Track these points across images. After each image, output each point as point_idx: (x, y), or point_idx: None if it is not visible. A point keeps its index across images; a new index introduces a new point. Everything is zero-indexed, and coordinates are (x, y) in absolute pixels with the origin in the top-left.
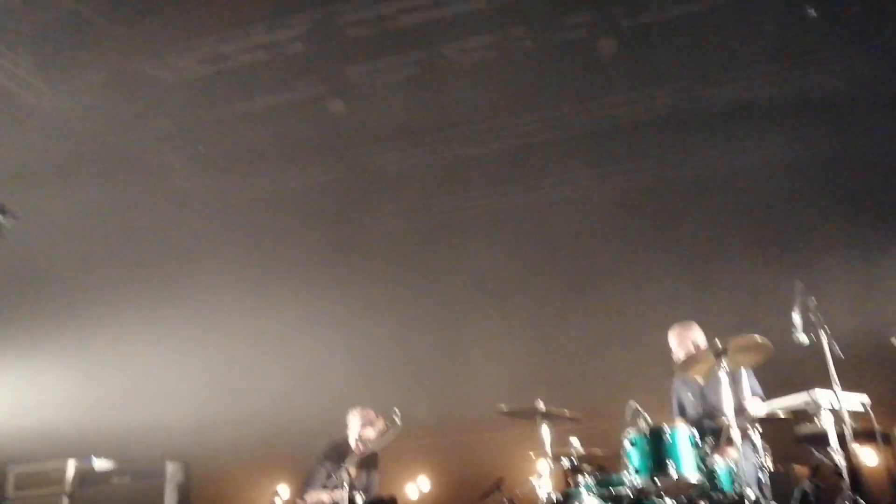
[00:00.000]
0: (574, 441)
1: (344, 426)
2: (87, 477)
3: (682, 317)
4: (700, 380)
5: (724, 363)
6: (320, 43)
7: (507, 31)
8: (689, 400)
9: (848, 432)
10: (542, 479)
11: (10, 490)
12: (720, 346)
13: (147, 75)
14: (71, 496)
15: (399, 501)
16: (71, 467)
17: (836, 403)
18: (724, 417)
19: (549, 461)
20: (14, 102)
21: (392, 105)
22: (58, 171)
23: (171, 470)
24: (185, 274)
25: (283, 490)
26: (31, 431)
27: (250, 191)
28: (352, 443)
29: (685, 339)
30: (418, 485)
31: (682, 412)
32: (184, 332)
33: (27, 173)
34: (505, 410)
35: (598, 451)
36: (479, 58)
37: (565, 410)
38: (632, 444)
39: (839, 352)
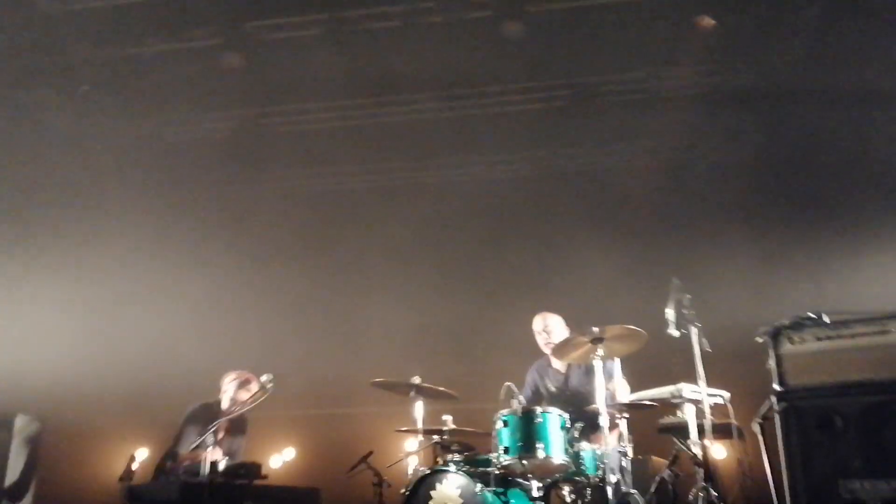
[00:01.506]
0: (446, 419)
1: (217, 390)
2: None
3: (555, 305)
4: (561, 367)
5: (599, 350)
6: None
7: (415, 3)
8: (548, 387)
9: (707, 425)
10: (412, 455)
11: None
12: (598, 333)
13: (31, 4)
14: None
15: (263, 471)
16: None
17: (698, 397)
18: (592, 405)
19: (421, 437)
20: None
21: (292, 65)
22: None
23: (21, 423)
24: (63, 216)
25: (142, 454)
26: None
27: (137, 137)
28: (224, 405)
29: (554, 326)
30: (283, 455)
31: (535, 398)
32: (54, 278)
33: None
34: (379, 382)
35: (469, 430)
36: (384, 26)
37: (440, 387)
38: (503, 423)
39: (707, 347)
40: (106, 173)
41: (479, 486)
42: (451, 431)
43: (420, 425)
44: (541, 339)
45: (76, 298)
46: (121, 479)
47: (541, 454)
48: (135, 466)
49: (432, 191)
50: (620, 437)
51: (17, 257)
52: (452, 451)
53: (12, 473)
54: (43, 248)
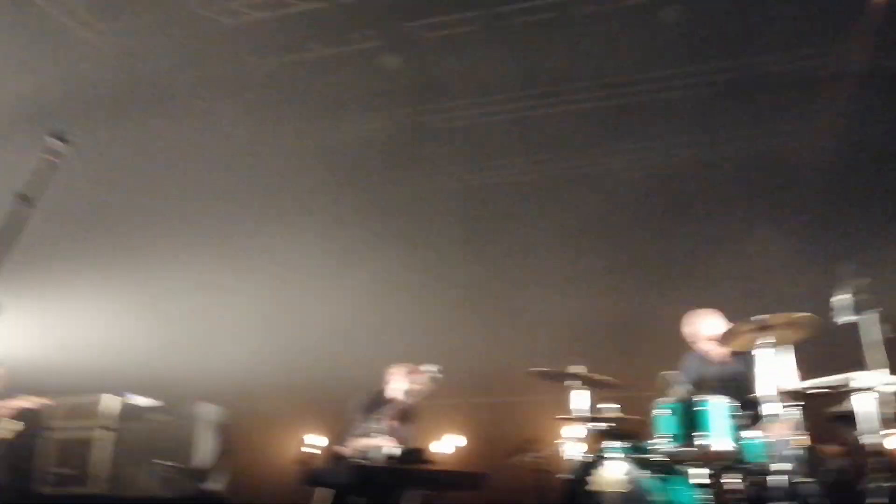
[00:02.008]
0: (607, 406)
1: (382, 379)
2: (129, 413)
3: (721, 292)
4: (723, 356)
5: (766, 338)
6: None
7: None
8: (708, 375)
9: (884, 414)
10: (572, 443)
11: (56, 420)
12: (765, 320)
13: (202, 17)
14: (113, 430)
15: (431, 456)
16: (115, 403)
17: (873, 384)
18: (757, 393)
19: (581, 425)
20: (71, 38)
21: (450, 62)
22: (112, 105)
23: (209, 411)
24: (235, 218)
25: (312, 439)
26: (81, 367)
27: (300, 141)
28: (391, 395)
29: (713, 320)
30: (450, 441)
31: (696, 386)
32: (232, 277)
33: (83, 106)
34: (537, 371)
35: (630, 418)
36: (540, 19)
37: (601, 376)
38: (666, 411)
39: (887, 333)
40: (278, 176)
41: (641, 473)
42: (612, 419)
43: (580, 413)
44: (699, 344)
45: (254, 297)
46: (297, 462)
47: (705, 441)
48: (309, 451)
49: (595, 181)
50: (792, 425)
51: (202, 261)
52: (613, 438)
53: (202, 458)
54: (222, 252)
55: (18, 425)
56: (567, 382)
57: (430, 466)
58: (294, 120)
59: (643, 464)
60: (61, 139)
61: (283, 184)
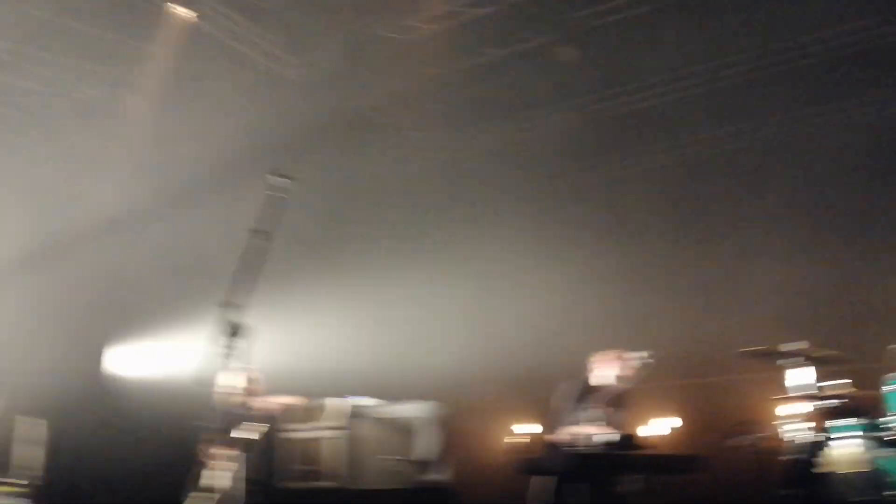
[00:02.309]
0: (834, 382)
1: (587, 367)
2: (357, 413)
3: None
4: None
5: None
6: None
7: None
8: None
9: None
10: (794, 422)
11: (292, 422)
12: None
13: (379, 37)
14: (343, 429)
15: (643, 441)
16: (345, 404)
17: None
18: None
19: (804, 403)
20: (265, 75)
21: (623, 47)
22: (314, 136)
23: (429, 408)
24: (442, 225)
25: (521, 429)
26: (314, 372)
27: (492, 143)
28: (599, 382)
29: None
30: (664, 425)
31: None
32: (443, 281)
33: (296, 139)
34: (751, 351)
35: (865, 393)
36: None
37: (824, 350)
38: None
39: None
40: (476, 179)
41: (877, 452)
42: (835, 396)
43: (803, 390)
44: None
45: (464, 298)
46: (510, 452)
47: None
48: (520, 441)
49: (807, 146)
50: None
51: (415, 269)
52: (843, 416)
53: (426, 451)
54: (433, 259)
55: (264, 427)
56: (782, 361)
57: (647, 451)
58: (482, 122)
59: (873, 441)
60: (283, 176)
61: (482, 186)
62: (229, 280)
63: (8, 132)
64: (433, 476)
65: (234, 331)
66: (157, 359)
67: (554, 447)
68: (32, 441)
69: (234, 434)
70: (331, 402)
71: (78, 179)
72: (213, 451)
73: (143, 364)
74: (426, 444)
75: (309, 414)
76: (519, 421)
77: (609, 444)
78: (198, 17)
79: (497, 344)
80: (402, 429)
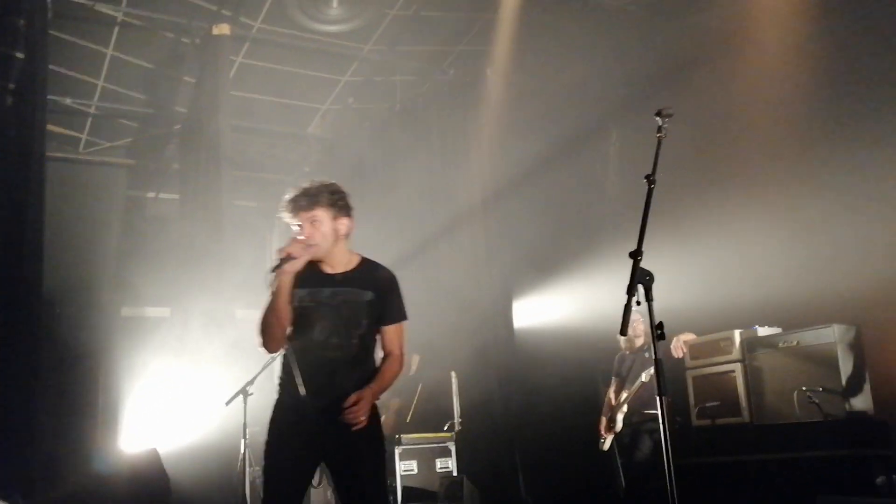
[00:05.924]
0: None
1: None
2: (753, 344)
3: None
4: None
5: None
6: None
7: None
8: None
9: None
10: None
11: (687, 360)
12: None
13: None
14: (741, 362)
15: None
16: (737, 337)
17: None
18: None
19: None
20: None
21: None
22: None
23: (840, 332)
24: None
25: None
26: (716, 307)
27: None
28: None
29: None
30: None
31: None
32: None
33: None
34: None
35: None
36: None
37: None
38: None
39: None
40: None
41: None
42: None
43: None
44: None
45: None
46: None
47: None
48: None
49: None
50: None
51: (824, 190)
52: None
53: (843, 380)
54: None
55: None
56: None
57: None
58: None
59: None
60: (664, 115)
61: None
62: (629, 229)
63: None
64: (853, 405)
65: (641, 279)
66: (562, 309)
67: None
68: (450, 393)
69: (640, 378)
70: (734, 335)
71: None
72: (615, 395)
73: (549, 315)
74: (843, 372)
75: (713, 349)
76: None
77: None
78: None
79: None
80: (814, 357)
